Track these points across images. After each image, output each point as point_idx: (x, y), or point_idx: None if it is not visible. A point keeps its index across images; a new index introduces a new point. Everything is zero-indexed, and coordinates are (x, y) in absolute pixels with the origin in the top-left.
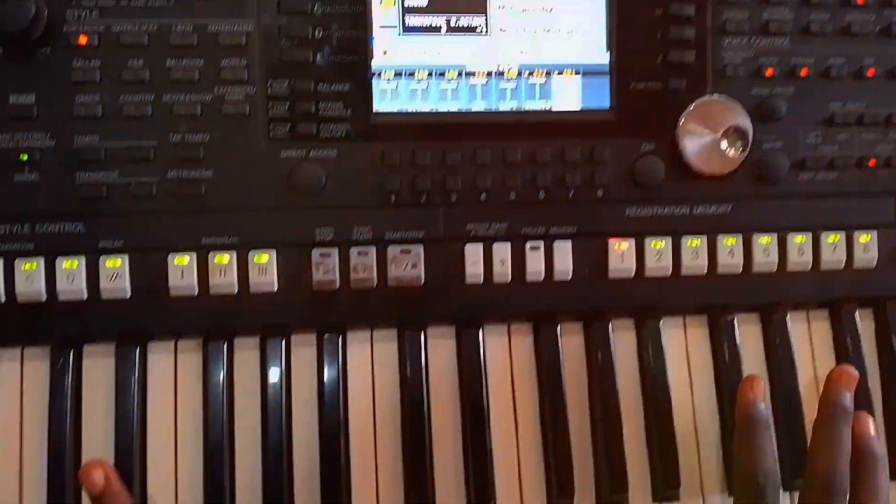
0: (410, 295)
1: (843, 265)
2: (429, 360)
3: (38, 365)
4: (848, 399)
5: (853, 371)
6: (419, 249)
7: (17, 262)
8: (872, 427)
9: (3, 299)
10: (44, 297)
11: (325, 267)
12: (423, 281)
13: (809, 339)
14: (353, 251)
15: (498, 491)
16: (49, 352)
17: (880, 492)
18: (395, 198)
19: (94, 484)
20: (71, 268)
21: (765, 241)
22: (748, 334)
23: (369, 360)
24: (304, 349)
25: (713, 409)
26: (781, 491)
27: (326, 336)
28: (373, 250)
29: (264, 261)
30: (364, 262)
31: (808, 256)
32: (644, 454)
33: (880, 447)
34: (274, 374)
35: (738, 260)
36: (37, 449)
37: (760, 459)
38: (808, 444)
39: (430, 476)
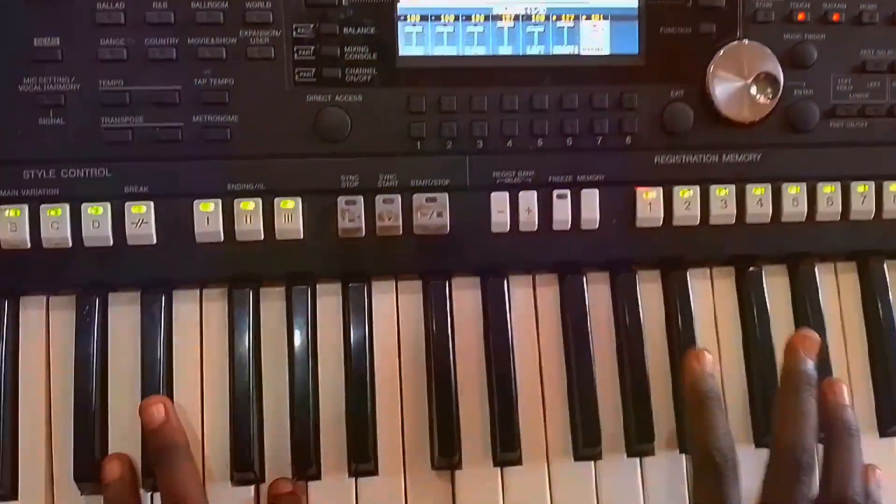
0: (436, 243)
1: (873, 216)
2: (454, 310)
3: (63, 313)
4: (810, 366)
5: (815, 335)
6: (445, 197)
7: (42, 207)
8: (847, 395)
9: (29, 245)
10: (69, 244)
11: (350, 215)
12: (448, 229)
13: (837, 291)
14: (379, 199)
15: (523, 440)
16: (75, 299)
17: (854, 467)
18: (421, 144)
19: (154, 418)
20: (96, 214)
21: (794, 191)
22: (776, 286)
23: (394, 309)
24: (329, 298)
25: (740, 361)
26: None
27: (352, 285)
28: (398, 198)
29: (290, 207)
30: (390, 210)
31: (838, 206)
32: (670, 405)
33: (853, 417)
34: (300, 323)
35: (767, 209)
36: (63, 396)
37: (714, 437)
38: (772, 417)
39: (455, 425)
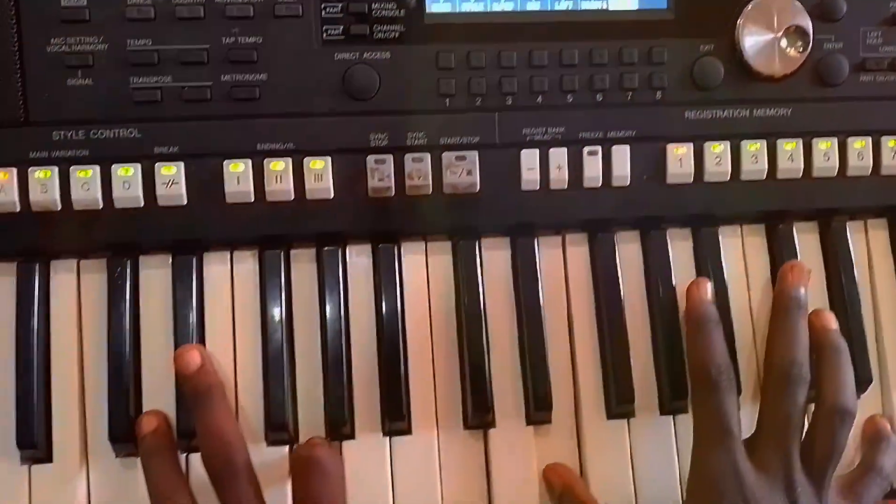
0: (466, 202)
1: None
2: (484, 270)
3: (94, 276)
4: (802, 291)
5: (805, 266)
6: (474, 155)
7: (72, 169)
8: (833, 322)
9: (59, 207)
10: (100, 205)
11: (379, 174)
12: (478, 188)
13: (867, 248)
14: (408, 157)
15: (555, 400)
16: (106, 263)
17: (846, 386)
18: (450, 102)
19: (189, 364)
20: (126, 175)
21: (824, 146)
22: (807, 243)
23: (424, 270)
24: (360, 258)
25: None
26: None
27: (382, 246)
28: (427, 157)
29: (320, 167)
30: (419, 169)
31: (868, 161)
32: None
33: (840, 338)
34: (331, 284)
35: (798, 164)
36: (96, 359)
37: (712, 355)
38: (766, 339)
39: (488, 383)
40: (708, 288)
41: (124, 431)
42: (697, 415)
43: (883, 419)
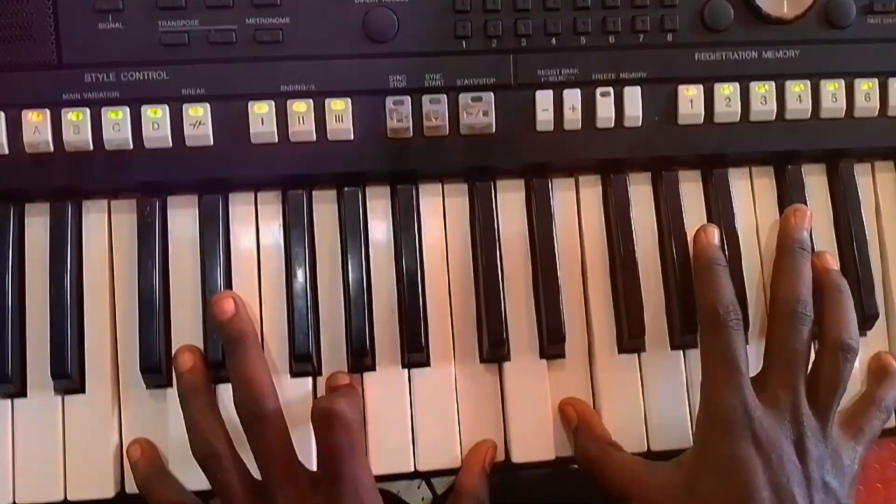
0: (482, 143)
1: None
2: (499, 210)
3: (124, 216)
4: (805, 234)
5: (807, 209)
6: (490, 97)
7: (103, 110)
8: (834, 263)
9: (91, 147)
10: (130, 145)
11: (398, 115)
12: (494, 129)
13: (874, 190)
14: (426, 99)
15: (568, 335)
16: (135, 203)
17: (848, 322)
18: (466, 43)
19: (224, 311)
20: (155, 116)
21: (832, 87)
22: (814, 185)
23: (441, 211)
24: (379, 200)
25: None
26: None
27: (400, 187)
28: (444, 98)
29: (340, 108)
30: (436, 110)
31: (875, 102)
32: None
33: (843, 280)
34: (352, 223)
35: (806, 106)
36: (127, 296)
37: (720, 294)
38: (771, 279)
39: (503, 318)
40: (715, 233)
41: (154, 363)
42: (706, 353)
43: (888, 355)
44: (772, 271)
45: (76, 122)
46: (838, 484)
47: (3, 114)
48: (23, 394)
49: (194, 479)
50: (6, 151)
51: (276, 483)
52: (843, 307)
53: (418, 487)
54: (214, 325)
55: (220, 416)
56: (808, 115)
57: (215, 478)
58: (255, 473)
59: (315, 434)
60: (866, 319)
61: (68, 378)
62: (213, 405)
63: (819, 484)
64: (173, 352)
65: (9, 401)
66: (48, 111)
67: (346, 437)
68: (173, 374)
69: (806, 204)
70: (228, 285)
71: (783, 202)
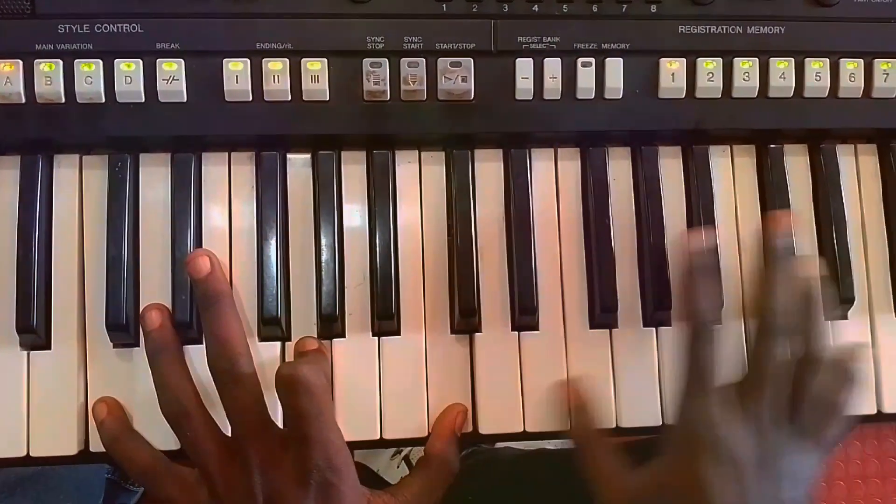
0: (460, 109)
1: (895, 95)
2: (476, 180)
3: (96, 171)
4: (789, 240)
5: (790, 215)
6: (470, 62)
7: (76, 62)
8: (815, 269)
9: (63, 100)
10: (102, 99)
11: (375, 77)
12: (473, 95)
13: (857, 172)
14: (404, 62)
15: (541, 307)
16: (107, 159)
17: (821, 337)
18: (447, 6)
19: (200, 269)
20: (129, 69)
21: (817, 66)
22: (796, 165)
23: (417, 178)
24: (355, 166)
25: (758, 235)
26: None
27: (376, 152)
28: (423, 62)
29: (317, 68)
30: (414, 74)
31: (860, 83)
32: None
33: (818, 289)
34: (326, 187)
35: (790, 83)
36: (95, 253)
37: (703, 300)
38: (758, 287)
39: (476, 289)
40: (703, 237)
41: (121, 321)
42: (684, 357)
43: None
44: (761, 276)
45: (48, 74)
46: (802, 495)
47: None
48: None
49: (161, 438)
50: None
51: (247, 439)
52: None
53: (397, 467)
54: (191, 283)
55: (190, 374)
56: (792, 94)
57: (185, 435)
58: (227, 432)
59: (280, 400)
60: (843, 302)
61: (34, 333)
62: (182, 363)
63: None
64: (141, 310)
65: None
66: (20, 62)
67: (311, 402)
68: (141, 333)
69: (786, 182)
70: (199, 245)
71: (763, 181)
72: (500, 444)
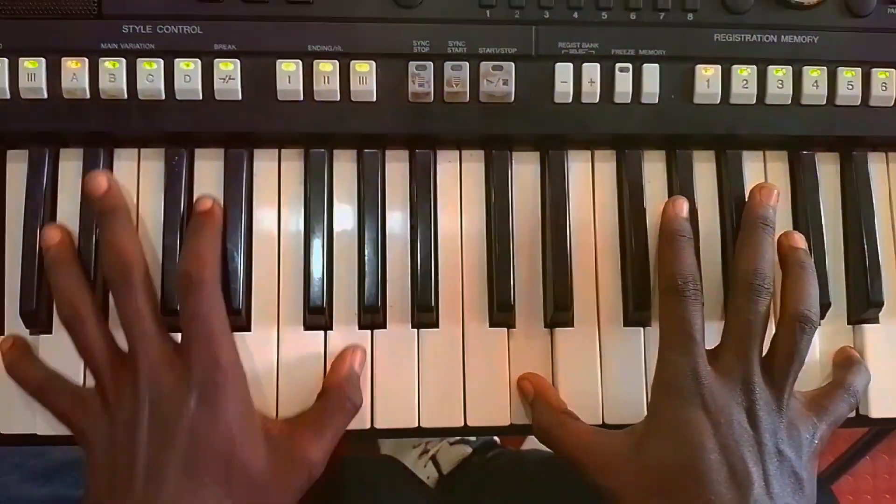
0: (500, 111)
1: None
2: (514, 180)
3: (153, 164)
4: (769, 210)
5: (774, 187)
6: (511, 66)
7: (138, 61)
8: (801, 242)
9: (126, 96)
10: (162, 96)
11: (420, 79)
12: (513, 98)
13: (888, 179)
14: (448, 65)
15: (576, 305)
16: (164, 152)
17: (808, 296)
18: (490, 13)
19: (99, 186)
20: (188, 68)
21: (849, 75)
22: (827, 171)
23: (458, 177)
24: (398, 164)
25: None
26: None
27: (419, 151)
28: (466, 65)
29: (365, 70)
30: (457, 77)
31: (892, 92)
32: (719, 275)
33: (809, 259)
34: (370, 184)
35: (822, 91)
36: (150, 243)
37: (679, 264)
38: (734, 253)
39: (513, 285)
40: (684, 206)
41: (175, 306)
42: (663, 320)
43: (852, 349)
44: (736, 245)
45: (112, 71)
46: (794, 454)
47: (43, 60)
48: None
49: None
50: (45, 96)
51: (137, 343)
52: (805, 282)
53: (424, 466)
54: (88, 202)
55: (88, 285)
56: (824, 101)
57: (77, 337)
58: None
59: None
60: (872, 306)
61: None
62: (79, 275)
63: (772, 450)
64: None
65: None
66: (86, 59)
67: (199, 299)
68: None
69: (818, 187)
70: (249, 237)
71: (795, 187)
72: (525, 447)
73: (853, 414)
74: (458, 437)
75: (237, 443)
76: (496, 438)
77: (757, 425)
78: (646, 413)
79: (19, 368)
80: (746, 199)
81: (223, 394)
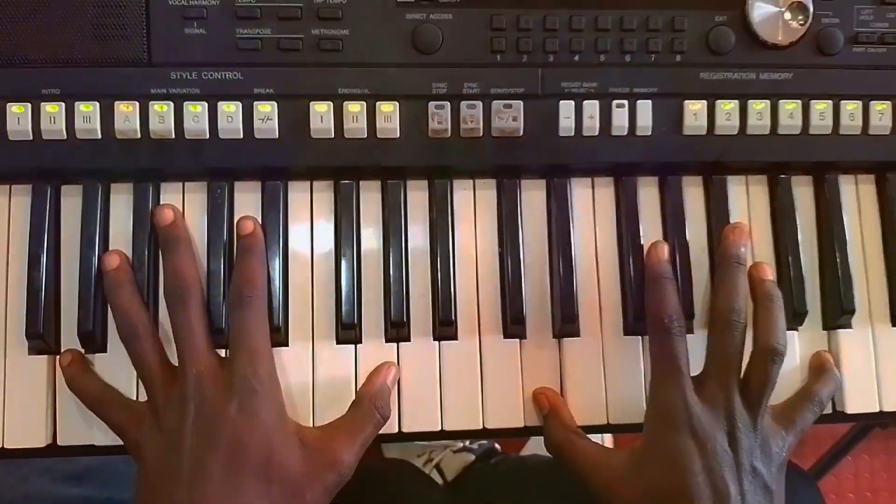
0: (510, 144)
1: (889, 131)
2: (522, 205)
3: (196, 195)
4: (742, 249)
5: (745, 226)
6: (520, 105)
7: (185, 104)
8: (769, 273)
9: (173, 136)
10: (207, 136)
11: (439, 118)
12: (522, 132)
13: (857, 200)
14: (463, 104)
15: (581, 318)
16: (206, 185)
17: (777, 329)
18: (501, 57)
19: (164, 219)
20: (230, 110)
21: (821, 107)
22: (802, 195)
23: (472, 204)
24: (418, 192)
25: (770, 256)
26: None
27: (437, 181)
28: (480, 104)
29: (389, 110)
30: (472, 115)
31: (859, 122)
32: (708, 290)
33: (774, 287)
34: (394, 210)
35: (798, 122)
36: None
37: (667, 305)
38: (712, 289)
39: (521, 302)
40: (665, 249)
41: (222, 326)
42: (654, 356)
43: (826, 353)
44: (714, 282)
45: (161, 114)
46: (765, 469)
47: (97, 103)
48: None
49: None
50: (99, 136)
51: (188, 353)
52: (774, 316)
53: (429, 474)
54: (156, 231)
55: (145, 305)
56: (799, 131)
57: (134, 352)
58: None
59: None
60: (846, 313)
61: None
62: (137, 295)
63: (748, 469)
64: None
65: None
66: (137, 103)
67: (246, 313)
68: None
69: (794, 208)
70: (285, 261)
71: (775, 207)
72: (525, 453)
73: (830, 410)
74: (461, 446)
75: (274, 445)
76: (497, 445)
77: (736, 448)
78: (644, 413)
79: (79, 382)
80: (721, 237)
81: (260, 401)
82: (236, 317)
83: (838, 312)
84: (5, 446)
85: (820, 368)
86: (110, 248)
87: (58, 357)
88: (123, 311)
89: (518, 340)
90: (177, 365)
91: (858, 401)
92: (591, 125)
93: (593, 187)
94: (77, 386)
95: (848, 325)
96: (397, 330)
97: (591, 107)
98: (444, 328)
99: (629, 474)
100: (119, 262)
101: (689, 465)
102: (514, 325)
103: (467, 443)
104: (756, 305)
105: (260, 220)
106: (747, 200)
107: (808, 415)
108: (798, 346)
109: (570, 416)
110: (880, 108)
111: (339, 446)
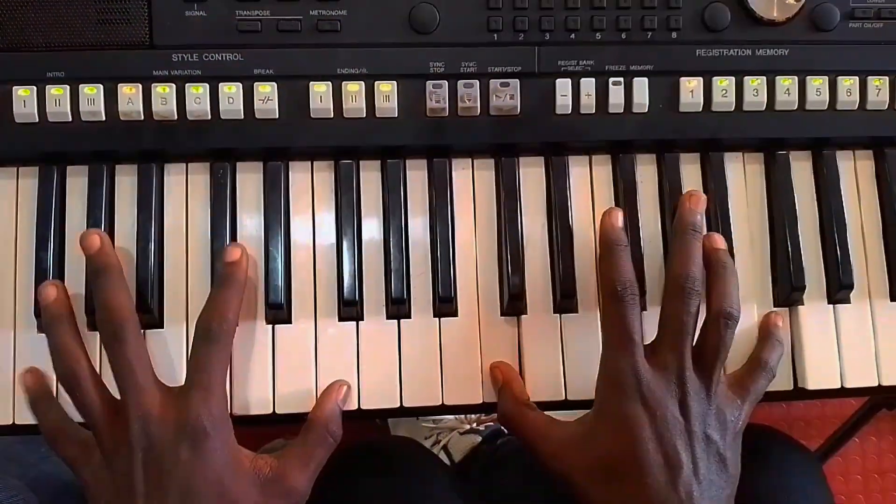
0: (508, 123)
1: (886, 107)
2: (521, 183)
3: (200, 177)
4: (698, 217)
5: (702, 194)
6: (516, 83)
7: (187, 86)
8: (721, 243)
9: (176, 117)
10: (209, 116)
11: (437, 97)
12: (519, 111)
13: (855, 174)
14: (461, 83)
15: (579, 294)
16: (209, 166)
17: (729, 294)
18: (498, 36)
19: (91, 246)
20: (230, 91)
21: (817, 83)
22: (800, 169)
23: (471, 182)
24: (417, 172)
25: (765, 233)
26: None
27: (436, 160)
28: (477, 83)
29: (388, 90)
30: (469, 93)
31: (856, 97)
32: None
33: (727, 256)
34: (394, 190)
35: (794, 98)
36: (201, 248)
37: (618, 272)
38: (667, 257)
39: (521, 275)
40: (619, 216)
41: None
42: (605, 323)
43: (777, 316)
44: (669, 249)
45: (164, 95)
46: (719, 437)
47: (101, 86)
48: None
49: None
50: (103, 118)
51: (128, 394)
52: (726, 281)
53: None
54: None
55: (82, 342)
56: (795, 107)
57: (75, 395)
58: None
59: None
60: (844, 288)
61: (150, 312)
62: (74, 332)
63: (700, 437)
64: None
65: None
66: (140, 85)
67: (206, 348)
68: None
69: (792, 185)
70: (287, 239)
71: (771, 184)
72: None
73: (791, 387)
74: (468, 428)
75: (227, 486)
76: (503, 427)
77: (687, 414)
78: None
79: (43, 407)
80: (678, 204)
81: (212, 442)
82: (199, 349)
83: (836, 287)
84: (16, 423)
85: (765, 333)
86: (115, 229)
87: (22, 374)
88: (61, 353)
89: (516, 317)
90: (118, 399)
91: (857, 375)
92: (588, 103)
93: (591, 165)
94: (38, 413)
95: (847, 301)
96: (398, 307)
97: (588, 85)
98: (444, 305)
99: (579, 442)
100: (56, 294)
101: (640, 433)
102: (512, 301)
103: (474, 424)
104: (709, 273)
105: (262, 198)
106: (744, 177)
107: (762, 381)
108: (803, 322)
109: (521, 389)
110: (877, 83)
111: (292, 473)
